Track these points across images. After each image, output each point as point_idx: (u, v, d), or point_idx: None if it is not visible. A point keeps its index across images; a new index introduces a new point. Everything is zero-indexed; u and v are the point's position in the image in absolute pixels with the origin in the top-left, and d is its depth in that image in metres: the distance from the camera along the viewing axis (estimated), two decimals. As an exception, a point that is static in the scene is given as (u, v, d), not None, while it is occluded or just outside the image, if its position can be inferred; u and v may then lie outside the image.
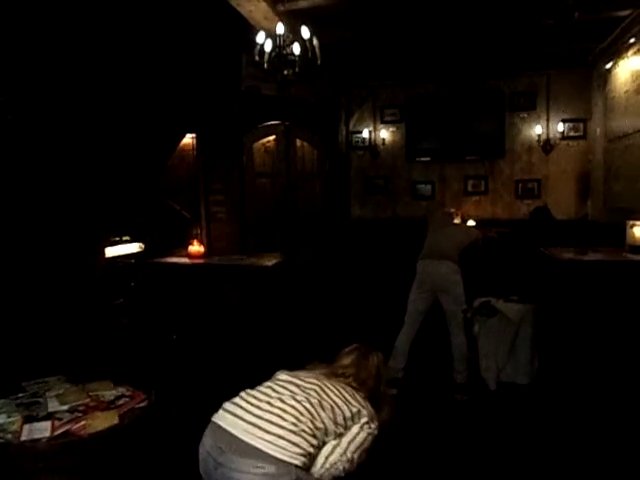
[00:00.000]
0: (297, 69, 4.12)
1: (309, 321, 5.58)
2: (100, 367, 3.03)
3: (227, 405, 1.95)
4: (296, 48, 4.04)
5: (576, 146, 6.97)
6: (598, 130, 6.47)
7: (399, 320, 4.34)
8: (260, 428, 1.79)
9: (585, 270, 4.13)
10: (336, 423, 1.92)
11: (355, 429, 1.98)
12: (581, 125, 6.92)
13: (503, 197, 7.26)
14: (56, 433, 2.28)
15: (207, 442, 1.88)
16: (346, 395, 2.02)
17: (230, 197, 5.88)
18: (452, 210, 5.28)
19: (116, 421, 2.37)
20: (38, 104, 3.22)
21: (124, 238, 5.11)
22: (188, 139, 6.37)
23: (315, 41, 4.00)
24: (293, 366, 2.27)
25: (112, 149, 3.82)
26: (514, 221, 6.90)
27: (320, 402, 1.92)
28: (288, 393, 1.93)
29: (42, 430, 2.28)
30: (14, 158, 3.09)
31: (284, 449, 1.74)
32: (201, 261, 4.93)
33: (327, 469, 1.88)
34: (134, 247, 5.49)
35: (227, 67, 5.67)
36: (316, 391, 1.97)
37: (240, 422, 1.83)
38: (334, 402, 1.96)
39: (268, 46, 4.01)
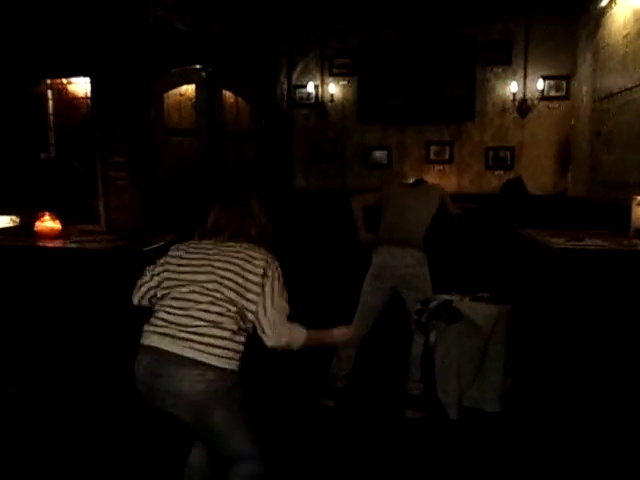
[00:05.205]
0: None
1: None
2: None
3: (147, 327, 1.95)
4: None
5: (557, 108, 6.01)
6: (584, 88, 5.47)
7: (348, 312, 3.40)
8: (190, 340, 1.84)
9: (581, 261, 3.09)
10: (246, 299, 1.94)
11: (265, 281, 1.97)
12: (564, 83, 5.94)
13: (471, 167, 6.28)
14: None
15: (143, 359, 1.90)
16: (240, 266, 1.97)
17: (134, 159, 4.73)
18: (411, 181, 4.25)
19: None
20: None
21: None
22: (81, 84, 5.11)
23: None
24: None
25: None
26: (483, 195, 5.97)
27: (222, 292, 1.92)
28: (191, 304, 1.91)
29: None
30: None
31: (219, 356, 1.84)
32: (54, 244, 3.53)
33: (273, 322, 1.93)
34: (2, 221, 4.47)
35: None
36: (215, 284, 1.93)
37: (168, 338, 1.86)
38: (235, 283, 1.94)
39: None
